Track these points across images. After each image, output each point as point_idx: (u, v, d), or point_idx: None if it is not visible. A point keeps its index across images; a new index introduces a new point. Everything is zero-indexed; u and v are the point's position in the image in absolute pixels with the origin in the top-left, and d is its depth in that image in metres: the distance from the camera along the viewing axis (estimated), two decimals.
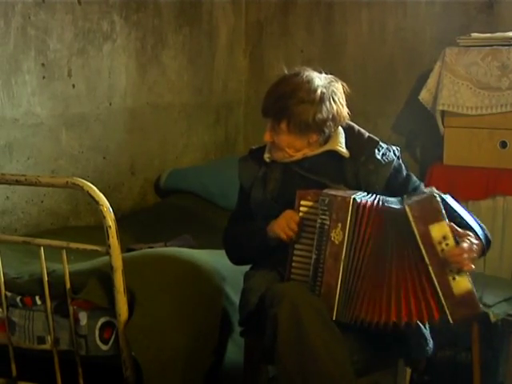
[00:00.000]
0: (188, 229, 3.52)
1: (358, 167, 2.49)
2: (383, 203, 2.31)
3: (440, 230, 2.23)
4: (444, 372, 3.43)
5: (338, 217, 2.30)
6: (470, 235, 2.28)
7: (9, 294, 2.65)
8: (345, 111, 2.50)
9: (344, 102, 2.51)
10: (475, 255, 2.27)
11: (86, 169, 3.68)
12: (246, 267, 2.64)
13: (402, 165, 2.54)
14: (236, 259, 2.66)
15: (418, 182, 2.53)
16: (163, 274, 2.64)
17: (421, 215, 2.24)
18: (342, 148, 2.52)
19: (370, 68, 4.28)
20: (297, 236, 2.39)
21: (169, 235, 3.38)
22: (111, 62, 3.78)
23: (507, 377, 3.26)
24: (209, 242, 3.16)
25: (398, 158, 2.55)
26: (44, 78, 3.44)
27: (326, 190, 2.37)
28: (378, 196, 2.36)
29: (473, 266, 2.24)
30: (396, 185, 2.46)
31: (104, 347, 2.57)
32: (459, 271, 2.23)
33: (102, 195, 2.47)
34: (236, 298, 2.62)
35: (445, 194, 2.41)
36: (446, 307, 2.24)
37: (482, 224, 2.42)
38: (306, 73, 2.47)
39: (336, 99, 2.47)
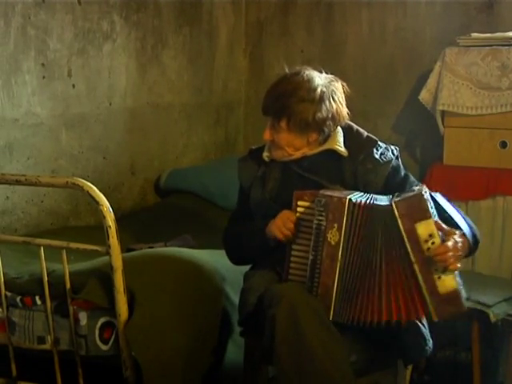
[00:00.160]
0: (188, 229, 3.51)
1: (356, 166, 2.49)
2: (373, 201, 2.32)
3: (426, 229, 2.24)
4: (444, 372, 3.43)
5: (335, 217, 2.30)
6: (455, 233, 2.28)
7: (9, 293, 2.65)
8: (344, 111, 2.51)
9: (344, 102, 2.51)
10: (460, 253, 2.28)
11: (85, 169, 3.68)
12: (246, 267, 2.64)
13: (401, 165, 2.55)
14: (236, 259, 2.66)
15: (416, 182, 2.53)
16: (163, 274, 2.64)
17: (407, 213, 2.25)
18: (341, 147, 2.52)
19: (369, 68, 4.28)
20: (294, 236, 2.39)
21: (169, 235, 3.38)
22: (111, 61, 3.78)
23: (507, 377, 3.26)
24: (209, 242, 3.16)
25: (397, 157, 2.56)
26: (44, 77, 3.44)
27: (322, 191, 2.37)
28: (371, 195, 2.36)
29: (458, 265, 2.26)
30: (394, 184, 2.47)
31: (104, 347, 2.57)
32: (445, 270, 2.25)
33: (101, 195, 2.47)
34: (236, 298, 2.62)
35: (435, 192, 2.42)
36: (429, 305, 2.25)
37: (471, 223, 2.43)
38: (307, 72, 2.48)
39: (336, 98, 2.48)
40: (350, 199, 2.30)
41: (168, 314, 2.56)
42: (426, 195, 2.28)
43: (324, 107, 2.44)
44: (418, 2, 4.12)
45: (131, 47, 3.88)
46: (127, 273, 2.50)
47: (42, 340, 2.62)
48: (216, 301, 2.71)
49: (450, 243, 2.24)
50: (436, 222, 2.26)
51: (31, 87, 3.38)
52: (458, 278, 2.29)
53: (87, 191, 2.47)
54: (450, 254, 2.23)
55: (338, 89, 2.50)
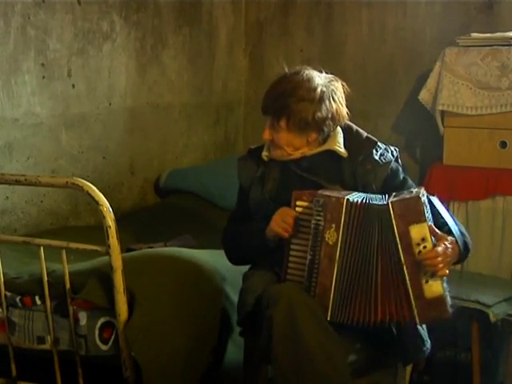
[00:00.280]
0: (188, 229, 3.51)
1: (355, 167, 2.49)
2: (370, 200, 2.32)
3: (420, 232, 2.25)
4: (444, 372, 3.44)
5: (332, 217, 2.30)
6: (446, 239, 2.29)
7: (8, 293, 2.65)
8: (344, 111, 2.51)
9: (344, 102, 2.51)
10: (449, 259, 2.29)
11: (85, 169, 3.68)
12: (246, 267, 2.64)
13: (400, 168, 2.55)
14: (235, 259, 2.66)
15: (414, 186, 2.53)
16: (163, 274, 2.64)
17: (403, 214, 2.25)
18: (340, 148, 2.52)
19: (369, 68, 4.28)
20: (292, 233, 2.39)
21: (169, 235, 3.38)
22: (111, 61, 3.78)
23: (507, 377, 3.26)
24: (209, 242, 3.16)
25: (397, 158, 2.56)
26: (44, 77, 3.44)
27: (320, 191, 2.37)
28: (369, 195, 2.37)
29: (447, 272, 2.26)
30: (392, 187, 2.46)
31: (104, 347, 2.57)
32: (433, 275, 2.25)
33: (101, 195, 2.47)
34: (236, 298, 2.62)
35: (433, 195, 2.42)
36: (414, 308, 2.25)
37: (464, 231, 2.44)
38: (307, 71, 2.48)
39: (336, 98, 2.47)
40: (347, 199, 2.30)
41: (168, 314, 2.56)
42: (423, 198, 2.28)
43: (324, 107, 2.44)
44: (418, 1, 4.11)
45: (131, 47, 3.88)
46: (127, 273, 2.50)
47: (41, 340, 2.62)
48: (216, 301, 2.71)
49: (440, 249, 2.25)
50: (430, 227, 2.27)
51: (31, 87, 3.38)
52: (445, 284, 2.29)
53: (87, 191, 2.47)
54: (440, 259, 2.24)
55: (338, 88, 2.50)
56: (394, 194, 2.36)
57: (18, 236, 3.13)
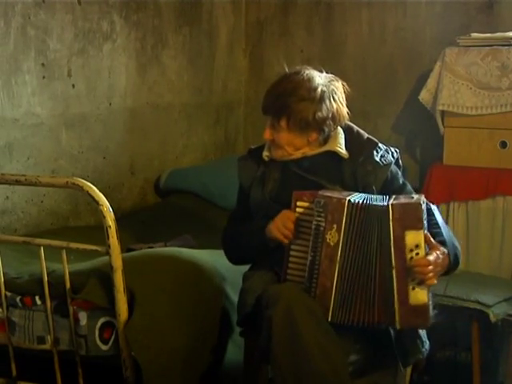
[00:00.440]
0: (188, 229, 3.52)
1: (356, 168, 2.49)
2: (371, 201, 2.32)
3: (415, 238, 2.25)
4: (444, 372, 3.44)
5: (334, 218, 2.30)
6: (439, 249, 2.30)
7: (9, 293, 2.65)
8: (345, 110, 2.51)
9: (344, 102, 2.51)
10: (439, 269, 2.30)
11: (85, 169, 3.68)
12: (246, 267, 2.64)
13: (399, 172, 2.55)
14: (235, 259, 2.66)
15: (413, 192, 2.53)
16: (163, 274, 2.64)
17: (401, 218, 2.26)
18: (342, 149, 2.52)
19: (370, 68, 4.28)
20: (293, 236, 2.39)
21: (169, 235, 3.38)
22: (111, 62, 3.78)
23: (507, 377, 3.26)
24: (209, 242, 3.16)
25: (398, 159, 2.56)
26: (44, 77, 3.44)
27: (321, 192, 2.37)
28: (370, 196, 2.37)
29: (435, 281, 2.27)
30: (391, 190, 2.46)
31: (104, 347, 2.57)
32: (421, 283, 2.26)
33: (101, 195, 2.47)
34: (236, 298, 2.62)
35: (432, 203, 2.44)
36: (396, 312, 2.26)
37: (457, 244, 2.45)
38: (307, 71, 2.48)
39: (336, 98, 2.47)
40: (349, 200, 2.30)
41: (168, 314, 2.56)
42: (424, 206, 2.29)
43: (324, 107, 2.44)
44: (418, 1, 4.12)
45: (131, 47, 3.88)
46: (127, 273, 2.50)
47: (41, 340, 2.62)
48: (216, 301, 2.71)
49: (432, 258, 2.26)
50: (426, 235, 2.28)
51: (31, 87, 3.38)
52: (430, 294, 2.30)
53: (87, 191, 2.47)
54: (431, 268, 2.25)
55: (339, 88, 2.50)
56: (394, 196, 2.36)
57: (18, 236, 3.13)
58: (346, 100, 2.53)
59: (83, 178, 2.54)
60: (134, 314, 2.52)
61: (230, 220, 2.69)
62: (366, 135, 2.59)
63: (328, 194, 2.34)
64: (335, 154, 2.52)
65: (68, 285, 2.56)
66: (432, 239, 2.30)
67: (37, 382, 2.71)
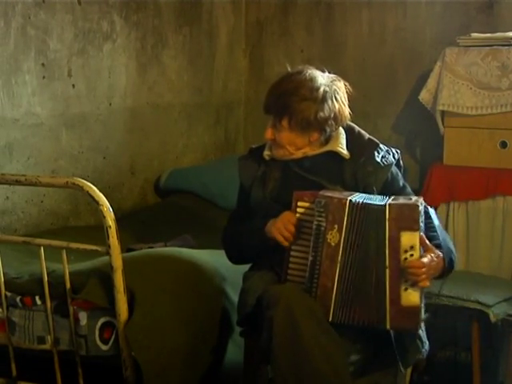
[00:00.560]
0: (188, 229, 3.51)
1: (356, 168, 2.49)
2: (369, 201, 2.33)
3: (410, 239, 2.25)
4: (444, 372, 3.44)
5: (335, 218, 2.30)
6: (434, 252, 2.30)
7: (9, 293, 2.65)
8: (346, 111, 2.50)
9: (346, 102, 2.50)
10: (432, 272, 2.30)
11: (85, 169, 3.68)
12: (247, 267, 2.64)
13: (400, 174, 2.55)
14: (235, 258, 2.66)
15: (413, 194, 2.54)
16: (163, 274, 2.64)
17: (398, 218, 2.26)
18: (343, 150, 2.52)
19: (369, 68, 4.28)
20: (294, 238, 2.39)
21: (169, 235, 3.38)
22: (111, 62, 3.78)
23: (507, 377, 3.26)
24: (209, 242, 3.15)
25: (398, 160, 2.56)
26: (44, 77, 3.44)
27: (322, 192, 2.37)
28: (370, 195, 2.37)
29: (428, 284, 2.27)
30: (391, 192, 2.46)
31: (104, 347, 2.57)
32: (414, 284, 2.26)
33: (101, 195, 2.47)
34: (236, 298, 2.62)
35: (430, 206, 2.44)
36: (387, 312, 2.26)
37: (452, 248, 2.45)
38: (309, 71, 2.48)
39: (338, 98, 2.47)
40: (350, 200, 2.30)
41: (168, 314, 2.56)
42: (421, 207, 2.29)
43: (326, 106, 2.44)
44: (418, 2, 4.11)
45: (131, 47, 3.88)
46: (127, 273, 2.50)
47: (41, 340, 2.62)
48: (216, 301, 2.71)
49: (426, 260, 2.26)
50: (421, 237, 2.28)
51: (31, 87, 3.38)
52: (422, 297, 2.30)
53: (87, 191, 2.47)
54: (424, 270, 2.25)
55: (341, 88, 2.50)
56: (393, 197, 2.36)
57: (18, 236, 3.13)
58: (348, 100, 2.53)
59: (83, 178, 2.54)
60: (134, 314, 2.52)
61: (231, 219, 2.69)
62: (367, 136, 2.58)
63: (329, 194, 2.34)
64: (336, 154, 2.51)
65: (68, 285, 2.56)
66: (427, 242, 2.30)
67: (37, 382, 2.71)
